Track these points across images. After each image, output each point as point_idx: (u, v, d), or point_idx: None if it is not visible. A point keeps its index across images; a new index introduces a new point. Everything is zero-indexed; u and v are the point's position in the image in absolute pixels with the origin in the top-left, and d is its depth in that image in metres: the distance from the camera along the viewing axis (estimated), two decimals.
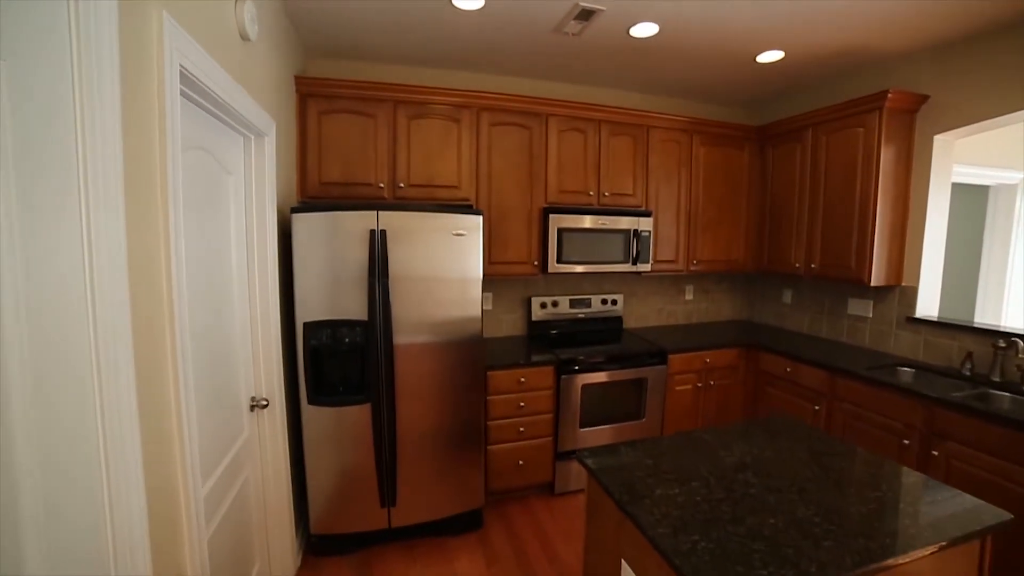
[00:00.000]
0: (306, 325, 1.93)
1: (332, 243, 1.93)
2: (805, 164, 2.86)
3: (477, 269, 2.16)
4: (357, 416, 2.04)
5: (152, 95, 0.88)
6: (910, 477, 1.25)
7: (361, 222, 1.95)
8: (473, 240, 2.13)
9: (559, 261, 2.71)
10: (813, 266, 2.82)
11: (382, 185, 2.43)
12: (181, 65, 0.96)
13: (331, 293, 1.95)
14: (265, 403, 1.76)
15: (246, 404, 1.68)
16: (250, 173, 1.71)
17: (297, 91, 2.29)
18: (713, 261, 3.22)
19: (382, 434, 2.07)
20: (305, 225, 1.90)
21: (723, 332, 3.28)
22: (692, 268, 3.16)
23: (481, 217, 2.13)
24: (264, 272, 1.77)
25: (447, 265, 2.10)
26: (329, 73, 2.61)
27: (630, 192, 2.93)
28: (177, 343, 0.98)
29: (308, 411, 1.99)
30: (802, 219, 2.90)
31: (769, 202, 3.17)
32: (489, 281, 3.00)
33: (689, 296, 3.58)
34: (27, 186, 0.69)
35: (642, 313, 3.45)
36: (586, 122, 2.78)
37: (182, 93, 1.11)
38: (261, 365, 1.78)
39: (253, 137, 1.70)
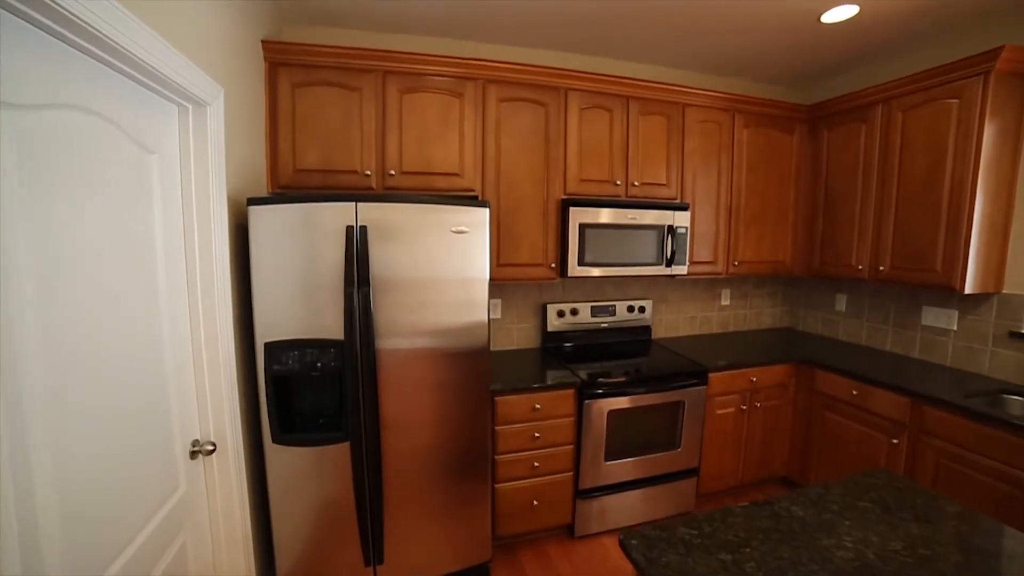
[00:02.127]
0: (267, 346, 1.54)
1: (299, 243, 1.54)
2: (872, 147, 2.40)
3: (482, 274, 1.75)
4: (334, 457, 1.65)
5: None
6: None
7: (336, 216, 1.55)
8: (477, 238, 1.72)
9: (581, 263, 2.29)
10: (882, 268, 2.37)
11: (368, 172, 2.03)
12: None
13: (299, 306, 1.56)
14: (212, 447, 1.38)
15: (183, 451, 1.30)
16: (187, 153, 1.31)
17: (266, 59, 1.90)
18: (757, 262, 2.78)
19: (364, 478, 1.68)
20: (265, 220, 1.51)
21: (767, 344, 2.84)
22: (732, 271, 2.72)
23: (487, 210, 1.72)
24: (210, 281, 1.38)
25: (444, 270, 1.69)
26: (308, 40, 2.21)
27: (663, 181, 2.50)
28: None
29: (272, 452, 1.60)
30: (867, 213, 2.45)
31: (823, 193, 2.71)
32: (498, 286, 2.59)
33: (725, 301, 3.14)
34: None
35: (672, 321, 3.02)
36: (612, 98, 2.35)
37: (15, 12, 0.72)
38: (208, 400, 1.39)
39: (191, 107, 1.31)
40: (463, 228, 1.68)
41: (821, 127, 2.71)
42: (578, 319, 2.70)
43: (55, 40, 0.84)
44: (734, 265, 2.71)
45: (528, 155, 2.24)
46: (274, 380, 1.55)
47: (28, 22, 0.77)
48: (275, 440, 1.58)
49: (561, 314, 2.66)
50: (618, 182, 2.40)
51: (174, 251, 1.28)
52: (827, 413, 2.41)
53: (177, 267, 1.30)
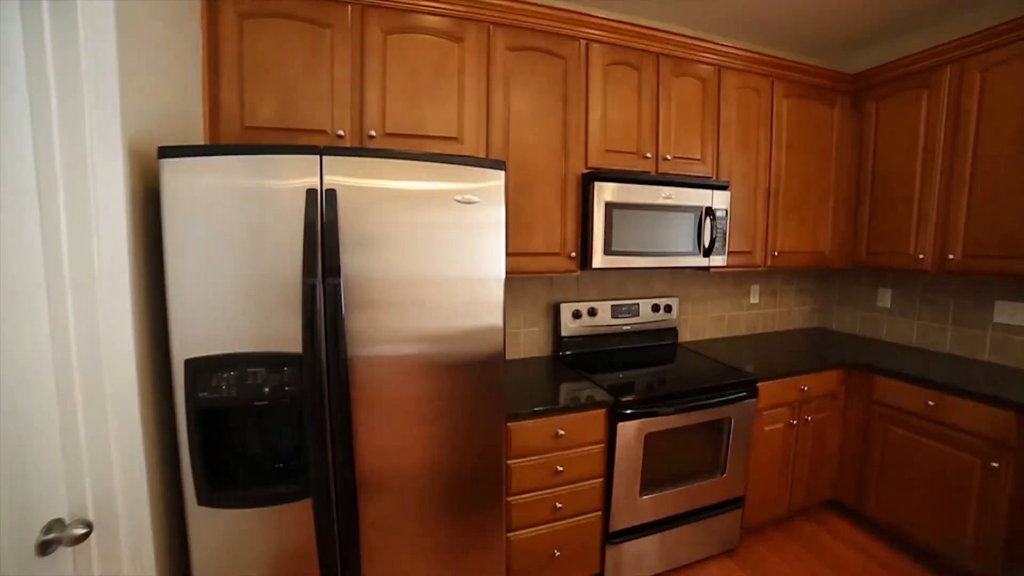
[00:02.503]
0: (190, 365, 1.05)
1: (238, 214, 1.06)
2: (937, 117, 2.07)
3: (497, 260, 1.31)
4: (290, 520, 1.16)
5: None
6: None
7: (291, 176, 1.08)
8: (491, 212, 1.27)
9: (608, 252, 1.86)
10: (951, 257, 2.03)
11: (342, 133, 1.56)
12: None
13: (238, 306, 1.07)
14: (85, 531, 0.87)
15: (28, 545, 0.80)
16: (41, 68, 0.83)
17: None
18: (796, 253, 2.42)
19: (333, 548, 1.20)
20: (185, 180, 1.02)
21: (804, 346, 2.48)
22: (772, 262, 2.35)
23: (503, 173, 1.28)
24: (88, 267, 0.89)
25: (446, 254, 1.24)
26: None
27: (698, 156, 2.11)
28: None
29: (198, 519, 1.10)
30: (929, 194, 2.11)
31: (870, 174, 2.38)
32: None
33: (755, 299, 2.77)
34: None
35: (698, 323, 2.63)
36: (640, 54, 1.94)
37: None
38: (83, 451, 0.89)
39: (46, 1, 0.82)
40: (472, 198, 1.23)
41: (868, 99, 2.37)
42: (596, 320, 2.27)
43: None
44: (773, 256, 2.34)
45: (543, 118, 1.81)
46: (200, 415, 1.06)
47: None
48: (202, 502, 1.09)
49: (577, 315, 2.23)
50: (648, 155, 1.99)
51: (19, 217, 0.79)
52: (892, 427, 2.05)
53: (26, 242, 0.80)
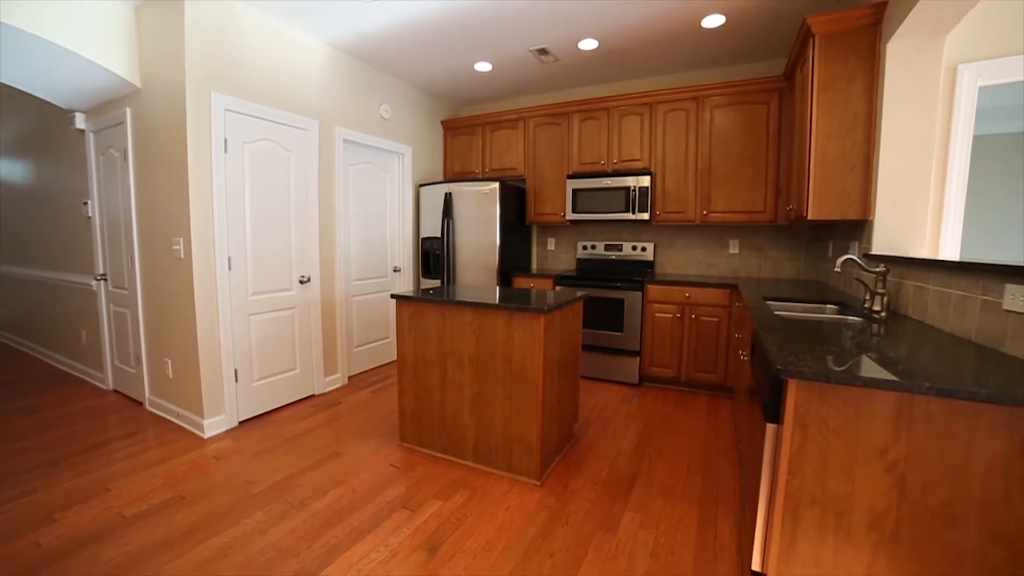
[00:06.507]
0: (423, 239, 4.24)
1: (433, 199, 4.14)
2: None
3: (496, 226, 3.88)
4: (437, 283, 4.22)
5: (333, 155, 3.29)
6: None
7: (442, 190, 4.07)
8: (492, 207, 3.87)
9: (574, 212, 3.94)
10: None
11: (477, 171, 4.45)
12: (344, 138, 3.35)
13: (429, 221, 4.17)
14: (399, 270, 4.19)
15: (391, 268, 4.15)
16: (404, 170, 4.12)
17: (442, 125, 4.60)
18: (731, 212, 3.50)
19: (446, 286, 4.17)
20: (425, 191, 4.20)
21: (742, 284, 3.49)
22: (703, 218, 3.58)
23: (497, 184, 3.83)
24: (405, 216, 4.17)
25: (483, 215, 3.94)
26: (463, 114, 4.80)
27: (638, 158, 3.75)
28: (339, 252, 3.42)
29: (421, 280, 4.32)
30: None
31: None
32: (552, 230, 4.50)
33: (734, 251, 3.81)
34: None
35: (679, 263, 4.02)
36: (600, 111, 3.84)
37: (348, 143, 3.55)
38: (402, 254, 4.21)
39: (398, 155, 4.10)
40: (486, 191, 3.87)
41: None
42: (596, 252, 4.24)
43: (361, 148, 3.70)
44: (703, 214, 3.57)
45: (553, 151, 4.08)
46: (423, 251, 4.24)
47: (358, 146, 3.63)
48: (422, 275, 4.28)
49: (585, 247, 4.29)
50: (603, 162, 3.87)
51: (395, 208, 4.11)
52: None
53: (397, 209, 4.12)
